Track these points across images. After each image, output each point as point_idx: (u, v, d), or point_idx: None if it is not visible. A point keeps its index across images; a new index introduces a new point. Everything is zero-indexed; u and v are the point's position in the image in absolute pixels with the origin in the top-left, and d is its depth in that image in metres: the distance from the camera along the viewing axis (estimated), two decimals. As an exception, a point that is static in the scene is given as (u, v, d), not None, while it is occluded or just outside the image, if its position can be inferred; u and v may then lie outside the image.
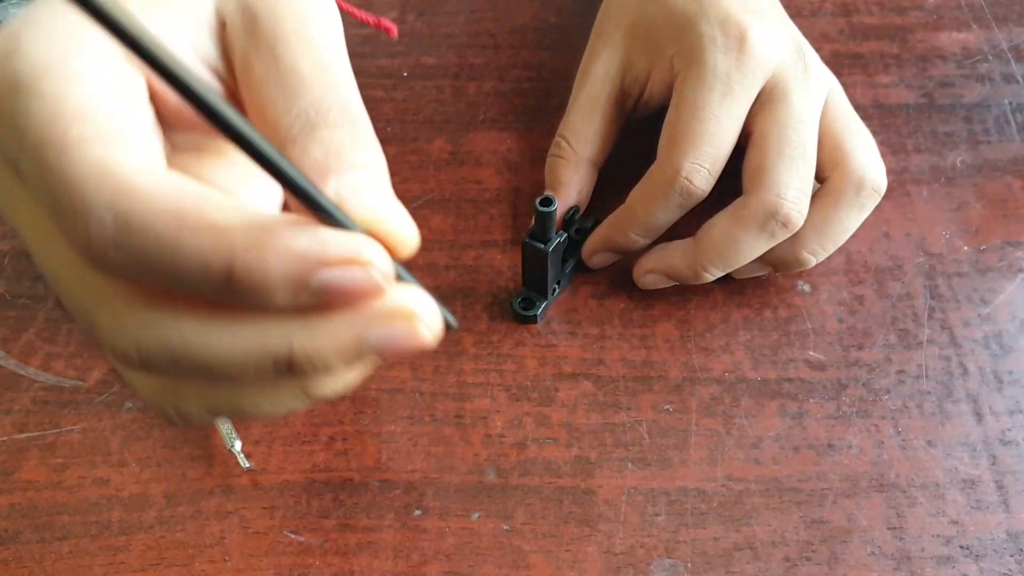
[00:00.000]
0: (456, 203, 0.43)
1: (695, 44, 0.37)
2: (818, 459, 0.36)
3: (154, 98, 0.22)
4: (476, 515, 0.35)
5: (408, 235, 0.21)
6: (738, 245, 0.37)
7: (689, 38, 0.38)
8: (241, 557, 0.34)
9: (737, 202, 0.37)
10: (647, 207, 0.38)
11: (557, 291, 0.40)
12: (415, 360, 0.39)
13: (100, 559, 0.34)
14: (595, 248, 0.40)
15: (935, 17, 0.50)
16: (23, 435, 0.37)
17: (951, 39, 0.49)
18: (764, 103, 0.37)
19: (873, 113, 0.46)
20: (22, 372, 0.38)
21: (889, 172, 0.44)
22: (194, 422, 0.22)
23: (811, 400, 0.38)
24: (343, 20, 0.25)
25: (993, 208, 0.43)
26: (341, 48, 0.23)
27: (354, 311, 0.20)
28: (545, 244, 0.37)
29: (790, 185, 0.36)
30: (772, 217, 0.36)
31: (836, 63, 0.47)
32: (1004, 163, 0.44)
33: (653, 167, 0.38)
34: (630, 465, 0.36)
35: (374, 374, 0.38)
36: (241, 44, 0.22)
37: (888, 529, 0.35)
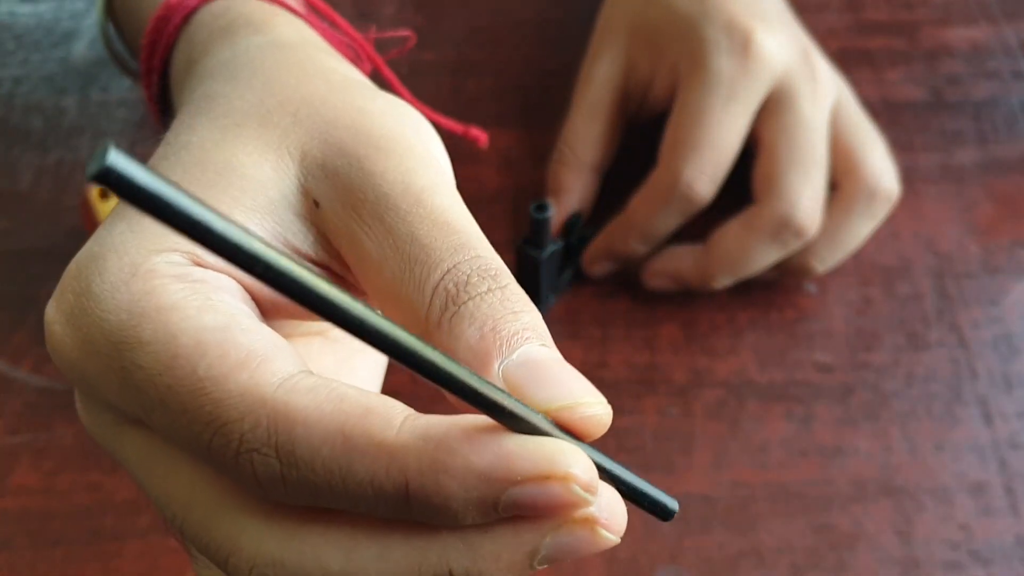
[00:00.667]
0: (456, 202, 0.42)
1: (698, 48, 0.36)
2: (825, 464, 0.35)
3: (248, 290, 0.20)
4: (476, 521, 0.34)
5: (600, 416, 0.17)
6: (750, 255, 0.36)
7: (692, 42, 0.37)
8: (236, 564, 0.33)
9: (749, 211, 0.36)
10: (647, 214, 0.37)
11: (553, 300, 0.39)
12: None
13: (93, 566, 0.33)
14: (595, 256, 0.39)
15: (943, 13, 0.49)
16: (14, 439, 0.36)
17: (960, 35, 0.48)
18: (771, 110, 0.36)
19: (881, 110, 0.45)
20: (13, 374, 0.37)
21: (897, 170, 0.43)
22: None
23: (818, 403, 0.37)
24: None
25: (1002, 207, 0.42)
26: (451, 184, 0.20)
27: (522, 522, 0.17)
28: (540, 251, 0.36)
29: (802, 194, 0.35)
30: (785, 227, 0.35)
31: (843, 59, 0.47)
32: (1013, 162, 0.44)
33: (654, 173, 0.37)
34: (633, 470, 0.35)
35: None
36: (342, 221, 0.19)
37: (896, 534, 0.34)
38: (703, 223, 0.38)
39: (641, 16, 0.40)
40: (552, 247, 0.37)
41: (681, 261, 0.38)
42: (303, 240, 0.20)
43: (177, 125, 0.22)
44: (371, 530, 0.18)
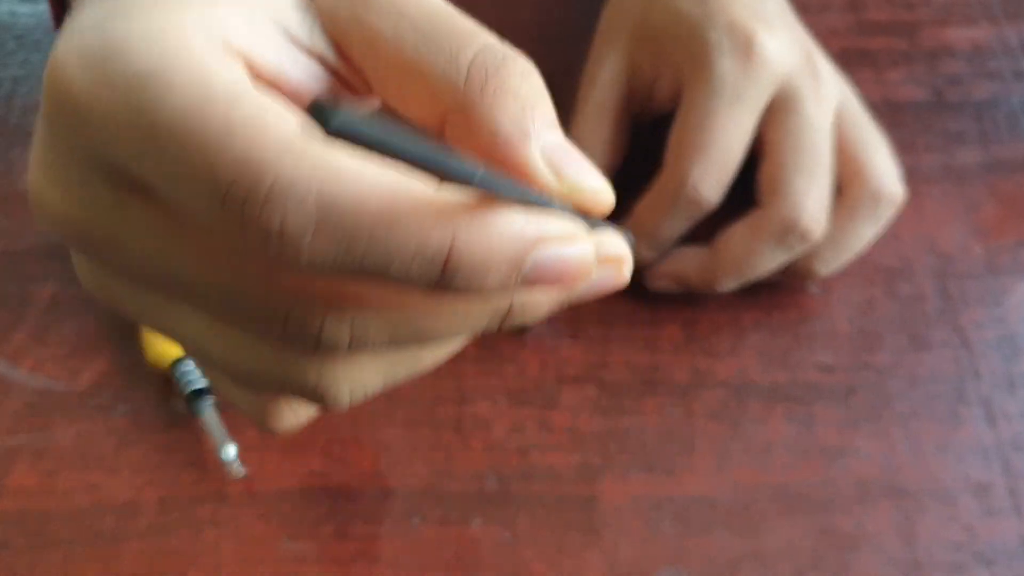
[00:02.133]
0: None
1: (701, 51, 0.36)
2: (827, 465, 0.35)
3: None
4: (476, 523, 0.34)
5: (608, 193, 0.19)
6: (755, 258, 0.36)
7: (695, 45, 0.37)
8: (236, 565, 0.33)
9: (754, 214, 0.36)
10: (653, 218, 0.37)
11: None
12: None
13: (92, 567, 0.33)
14: None
15: (944, 13, 0.49)
16: (13, 439, 0.36)
17: (961, 35, 0.48)
18: (775, 113, 0.36)
19: (883, 111, 0.45)
20: (12, 375, 0.37)
21: (901, 172, 0.43)
22: (362, 401, 0.21)
23: (820, 404, 0.37)
24: None
25: (1005, 208, 0.42)
26: None
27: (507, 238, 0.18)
28: None
29: (808, 196, 0.35)
30: (791, 230, 0.35)
31: (844, 59, 0.46)
32: (1015, 162, 0.44)
33: (659, 177, 0.37)
34: (634, 472, 0.35)
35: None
36: (347, 10, 0.19)
37: (898, 536, 0.34)
38: (708, 224, 0.38)
39: (642, 18, 0.39)
40: None
41: (685, 263, 0.38)
42: (300, 29, 0.19)
43: None
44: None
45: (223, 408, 0.36)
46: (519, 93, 0.18)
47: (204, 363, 0.21)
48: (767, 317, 0.39)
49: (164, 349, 0.36)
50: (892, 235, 0.41)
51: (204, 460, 0.35)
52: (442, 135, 0.19)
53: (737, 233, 0.36)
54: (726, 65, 0.36)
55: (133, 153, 0.17)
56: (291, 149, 0.16)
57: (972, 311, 0.39)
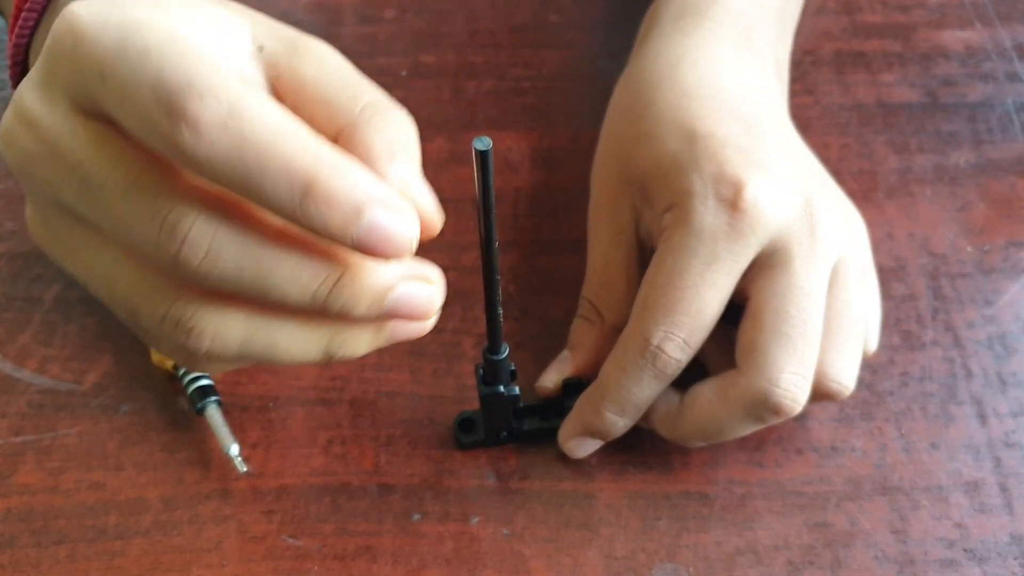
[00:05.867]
0: (455, 203, 0.42)
1: (682, 202, 0.33)
2: (821, 462, 0.36)
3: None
4: (475, 519, 0.35)
5: (438, 218, 0.25)
6: (722, 427, 0.33)
7: (677, 194, 0.33)
8: (238, 562, 0.34)
9: (727, 377, 0.33)
10: (619, 379, 0.33)
11: (507, 438, 0.36)
12: (413, 362, 0.38)
13: (97, 564, 0.34)
14: (570, 433, 0.35)
15: (938, 15, 0.49)
16: (19, 439, 0.36)
17: (954, 38, 0.48)
18: (762, 267, 0.33)
19: (877, 112, 0.45)
20: (18, 375, 0.38)
21: (892, 172, 0.44)
22: (222, 356, 0.24)
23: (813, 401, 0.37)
24: None
25: (997, 208, 0.43)
26: None
27: (386, 265, 0.24)
28: (488, 387, 0.34)
29: (784, 369, 0.32)
30: (761, 405, 0.32)
31: (839, 62, 0.47)
32: (1008, 163, 0.44)
33: (624, 333, 0.34)
34: (631, 468, 0.36)
35: (371, 376, 0.38)
36: (285, 60, 0.25)
37: (891, 532, 0.34)
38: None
39: (629, 159, 0.36)
40: (507, 391, 0.34)
41: (655, 413, 0.35)
42: (249, 72, 0.25)
43: None
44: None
45: (227, 407, 0.36)
46: (389, 129, 0.24)
47: (107, 300, 0.25)
48: (762, 317, 0.39)
49: (167, 349, 0.37)
50: (885, 235, 0.41)
51: (207, 458, 0.36)
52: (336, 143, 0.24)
53: (705, 395, 0.33)
54: (707, 219, 0.32)
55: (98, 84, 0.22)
56: (224, 79, 0.21)
57: (964, 311, 0.40)
